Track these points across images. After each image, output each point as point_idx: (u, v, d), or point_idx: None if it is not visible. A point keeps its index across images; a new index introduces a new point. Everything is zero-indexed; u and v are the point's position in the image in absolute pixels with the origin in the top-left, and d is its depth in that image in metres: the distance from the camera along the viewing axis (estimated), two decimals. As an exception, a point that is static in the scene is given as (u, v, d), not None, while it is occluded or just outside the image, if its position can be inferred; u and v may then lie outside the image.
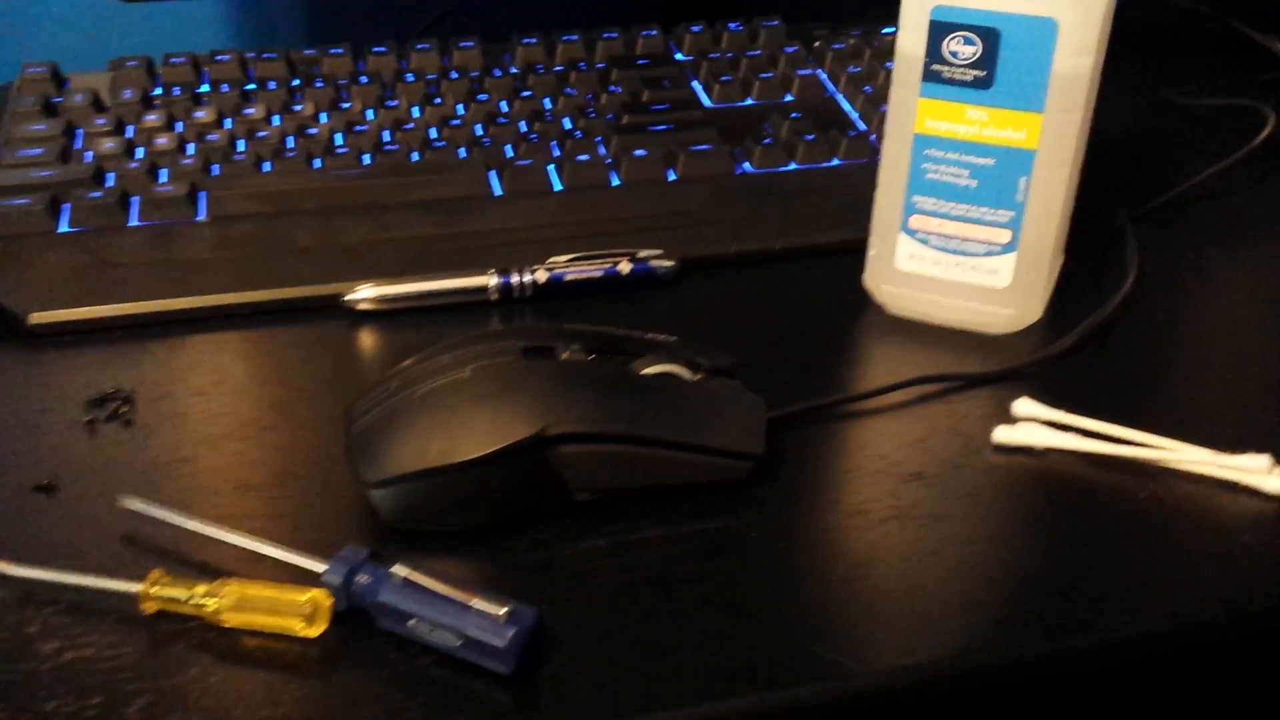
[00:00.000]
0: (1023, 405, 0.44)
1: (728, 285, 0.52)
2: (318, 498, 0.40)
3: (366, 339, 0.49)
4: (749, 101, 0.62)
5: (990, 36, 0.43)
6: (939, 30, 0.44)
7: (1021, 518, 0.40)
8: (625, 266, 0.51)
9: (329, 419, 0.43)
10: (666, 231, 0.54)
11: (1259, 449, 0.42)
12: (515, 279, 0.50)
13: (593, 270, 0.51)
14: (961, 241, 0.47)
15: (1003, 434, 0.43)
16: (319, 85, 0.61)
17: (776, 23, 0.68)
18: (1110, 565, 0.38)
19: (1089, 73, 0.44)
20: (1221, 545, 0.39)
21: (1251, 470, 0.41)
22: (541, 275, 0.51)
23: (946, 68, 0.44)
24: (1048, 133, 0.44)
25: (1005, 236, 0.46)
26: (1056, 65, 0.43)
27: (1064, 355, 0.47)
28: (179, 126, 0.58)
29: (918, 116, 0.46)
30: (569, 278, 0.51)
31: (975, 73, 0.44)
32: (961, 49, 0.44)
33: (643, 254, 0.52)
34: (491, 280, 0.50)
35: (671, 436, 0.39)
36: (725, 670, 0.35)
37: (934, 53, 0.44)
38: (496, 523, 0.39)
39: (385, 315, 0.50)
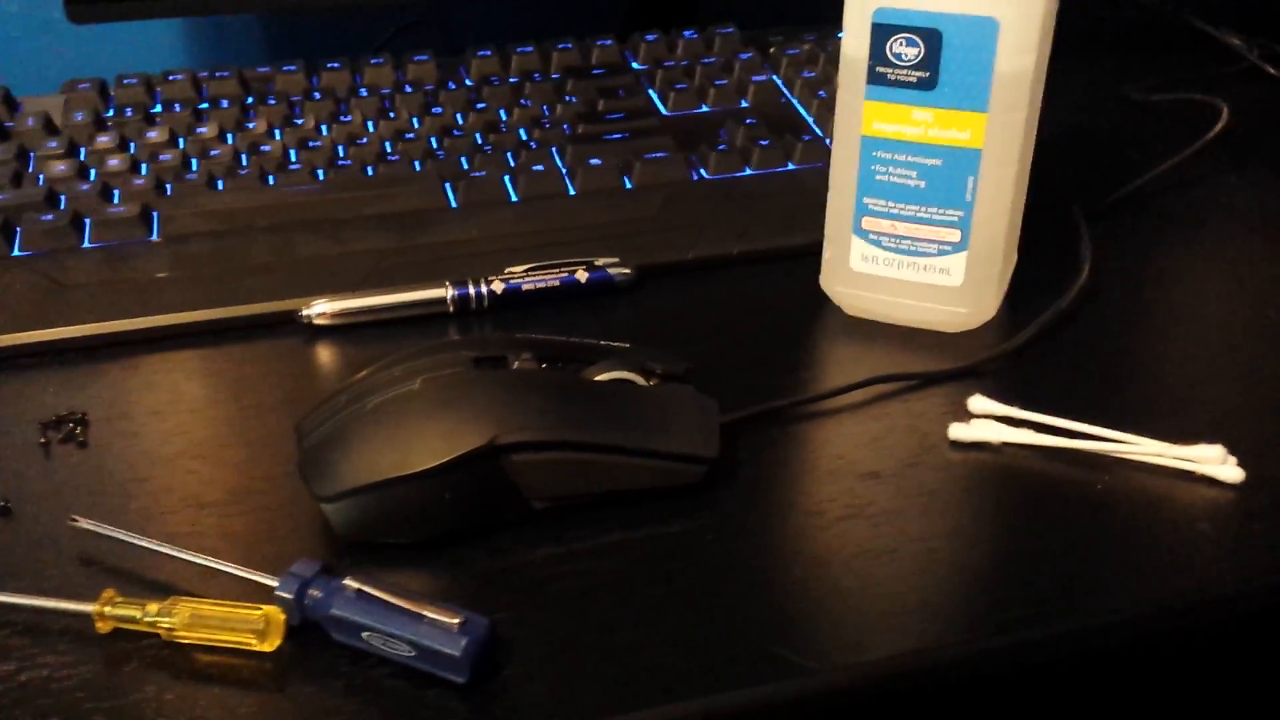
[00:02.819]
0: (977, 402, 0.45)
1: (686, 291, 0.52)
2: (273, 514, 0.40)
3: (324, 354, 0.49)
4: (705, 108, 0.63)
5: (932, 38, 0.44)
6: (882, 32, 0.44)
7: (978, 513, 0.41)
8: (582, 275, 0.52)
9: (285, 435, 0.43)
10: (624, 239, 0.54)
11: (1213, 439, 0.42)
12: (472, 290, 0.50)
13: (550, 279, 0.51)
14: (913, 242, 0.47)
15: (958, 431, 0.44)
16: (272, 103, 0.61)
17: (732, 30, 0.68)
18: (1068, 558, 0.39)
19: (1031, 71, 0.44)
20: (1179, 535, 0.40)
21: (1206, 460, 0.42)
22: (499, 286, 0.51)
23: (891, 70, 0.45)
24: (993, 132, 0.45)
25: (955, 236, 0.47)
26: (999, 65, 0.44)
27: (1018, 351, 0.48)
28: (132, 147, 0.58)
29: (865, 119, 0.46)
30: (526, 288, 0.51)
31: (919, 74, 0.44)
32: (905, 51, 0.44)
33: (600, 262, 0.52)
34: (449, 292, 0.50)
35: (625, 442, 0.39)
36: (683, 672, 0.35)
37: (878, 55, 0.45)
38: (452, 533, 0.39)
39: (342, 330, 0.50)
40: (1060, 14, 0.46)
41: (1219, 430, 0.43)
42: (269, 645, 0.35)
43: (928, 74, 0.44)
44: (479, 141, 0.59)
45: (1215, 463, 0.42)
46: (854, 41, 0.45)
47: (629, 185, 0.57)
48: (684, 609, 0.37)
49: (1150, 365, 0.48)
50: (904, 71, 0.45)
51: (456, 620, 0.33)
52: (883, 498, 0.41)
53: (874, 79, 0.45)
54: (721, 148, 0.58)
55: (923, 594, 0.37)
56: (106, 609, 0.35)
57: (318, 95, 0.62)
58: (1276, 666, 0.41)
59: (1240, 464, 0.42)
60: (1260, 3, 0.79)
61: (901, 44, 0.44)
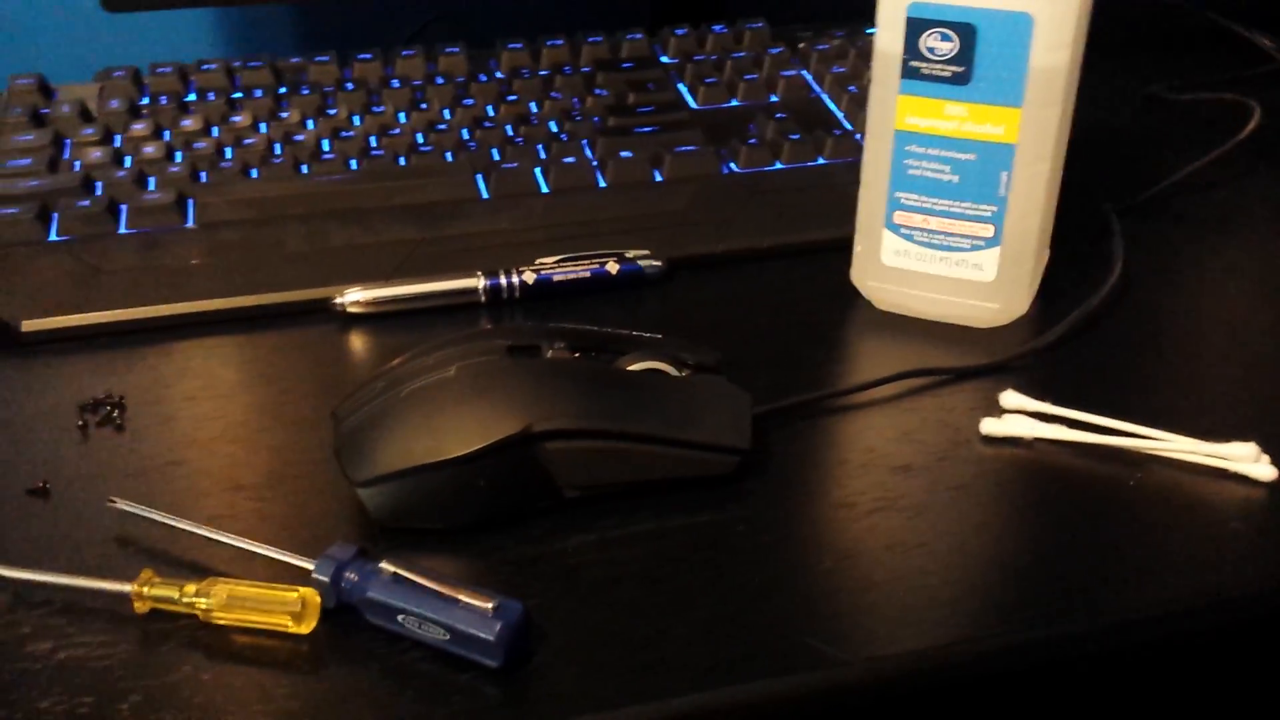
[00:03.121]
0: (1009, 397, 0.45)
1: (716, 284, 0.53)
2: (308, 497, 0.41)
3: (356, 341, 0.49)
4: (734, 103, 0.63)
5: (967, 32, 0.44)
6: (916, 27, 0.44)
7: (1009, 508, 0.41)
8: (613, 267, 0.52)
9: (319, 420, 0.43)
10: (653, 232, 0.54)
11: (1245, 437, 0.42)
12: (503, 280, 0.51)
13: (581, 271, 0.52)
14: (945, 237, 0.47)
15: (990, 426, 0.44)
16: (305, 93, 0.62)
17: (761, 24, 0.68)
18: (1099, 554, 0.39)
19: (1066, 67, 0.44)
20: (1211, 532, 0.40)
21: (1239, 458, 0.42)
22: (530, 276, 0.51)
23: (924, 64, 0.45)
24: (1027, 127, 0.45)
25: (989, 231, 0.47)
26: (1033, 60, 0.43)
27: (1050, 348, 0.48)
28: (166, 135, 0.59)
29: (898, 113, 0.46)
30: (557, 279, 0.51)
31: (953, 69, 0.44)
32: (939, 45, 0.44)
33: (630, 254, 0.52)
34: (480, 282, 0.51)
35: (658, 432, 0.40)
36: (712, 661, 0.35)
37: (912, 49, 0.45)
38: (485, 520, 0.39)
39: (375, 318, 0.50)
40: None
41: (1252, 428, 0.43)
42: (305, 627, 0.35)
43: (962, 69, 0.44)
44: (510, 133, 0.59)
45: (1248, 461, 0.42)
46: (888, 35, 0.45)
47: (659, 178, 0.57)
48: (714, 599, 0.37)
49: (1182, 363, 0.48)
50: (938, 66, 0.45)
51: (491, 605, 0.34)
52: (914, 491, 0.41)
53: (908, 73, 0.45)
54: (752, 141, 0.58)
55: (953, 588, 0.37)
56: (144, 589, 0.36)
57: (350, 86, 0.63)
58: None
59: (1273, 462, 0.41)
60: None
61: (936, 38, 0.44)
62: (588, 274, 0.52)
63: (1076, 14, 0.44)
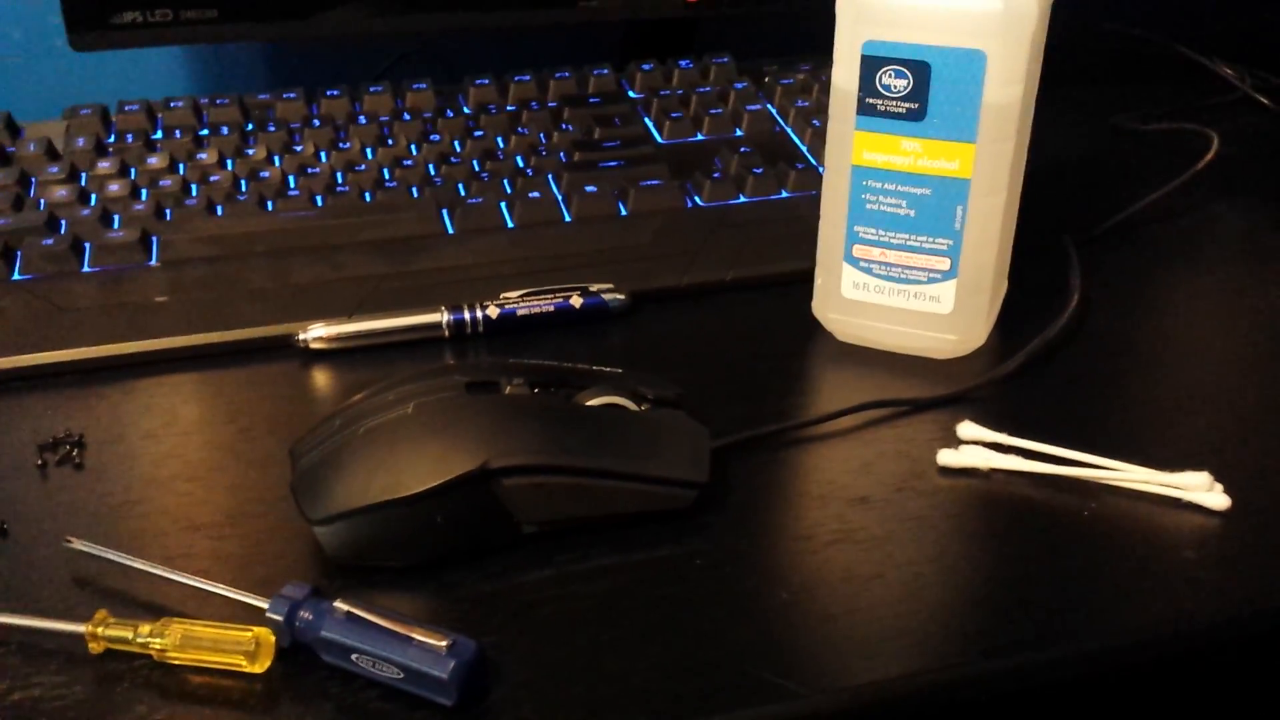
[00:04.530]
0: (967, 428, 0.45)
1: (679, 317, 0.53)
2: (266, 536, 0.41)
3: (319, 378, 0.49)
4: (700, 137, 0.63)
5: (921, 69, 0.44)
6: (871, 64, 0.45)
7: (966, 539, 0.41)
8: (577, 300, 0.52)
9: (279, 458, 0.43)
10: (618, 265, 0.54)
11: (1199, 466, 0.42)
12: (467, 315, 0.51)
13: (545, 305, 0.52)
14: (903, 269, 0.48)
15: (947, 457, 0.44)
16: (272, 129, 0.62)
17: (727, 59, 0.69)
18: (1055, 584, 0.39)
19: (1019, 102, 0.45)
20: (1165, 562, 0.40)
21: (1192, 487, 0.42)
22: (494, 311, 0.51)
23: (880, 101, 0.45)
24: (981, 162, 0.45)
25: (945, 264, 0.47)
26: (987, 96, 0.44)
27: (1008, 378, 0.48)
28: (133, 173, 0.59)
29: (855, 149, 0.47)
30: (521, 313, 0.52)
31: (908, 105, 0.45)
32: (894, 82, 0.45)
33: (594, 288, 0.53)
34: (444, 317, 0.51)
35: (616, 467, 0.40)
36: (670, 697, 0.35)
37: (867, 86, 0.45)
38: (444, 557, 0.39)
39: (338, 354, 0.50)
40: (1051, 44, 0.47)
41: (1206, 457, 0.43)
42: (259, 666, 0.35)
43: (917, 105, 0.45)
44: (476, 168, 0.60)
45: (1202, 490, 0.42)
46: (844, 73, 0.46)
47: (624, 212, 0.57)
48: (672, 633, 0.37)
49: (1138, 393, 0.48)
50: (893, 102, 0.45)
51: (445, 643, 0.34)
52: (872, 523, 0.41)
53: (864, 109, 0.46)
54: (716, 175, 0.59)
55: (910, 619, 0.38)
56: (99, 630, 0.36)
57: (317, 123, 0.63)
58: (1262, 694, 0.41)
59: (1226, 491, 0.42)
60: (1252, 33, 0.80)
61: (890, 75, 0.45)
62: (552, 308, 0.52)
63: (1028, 51, 0.44)
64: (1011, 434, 0.44)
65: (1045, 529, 0.41)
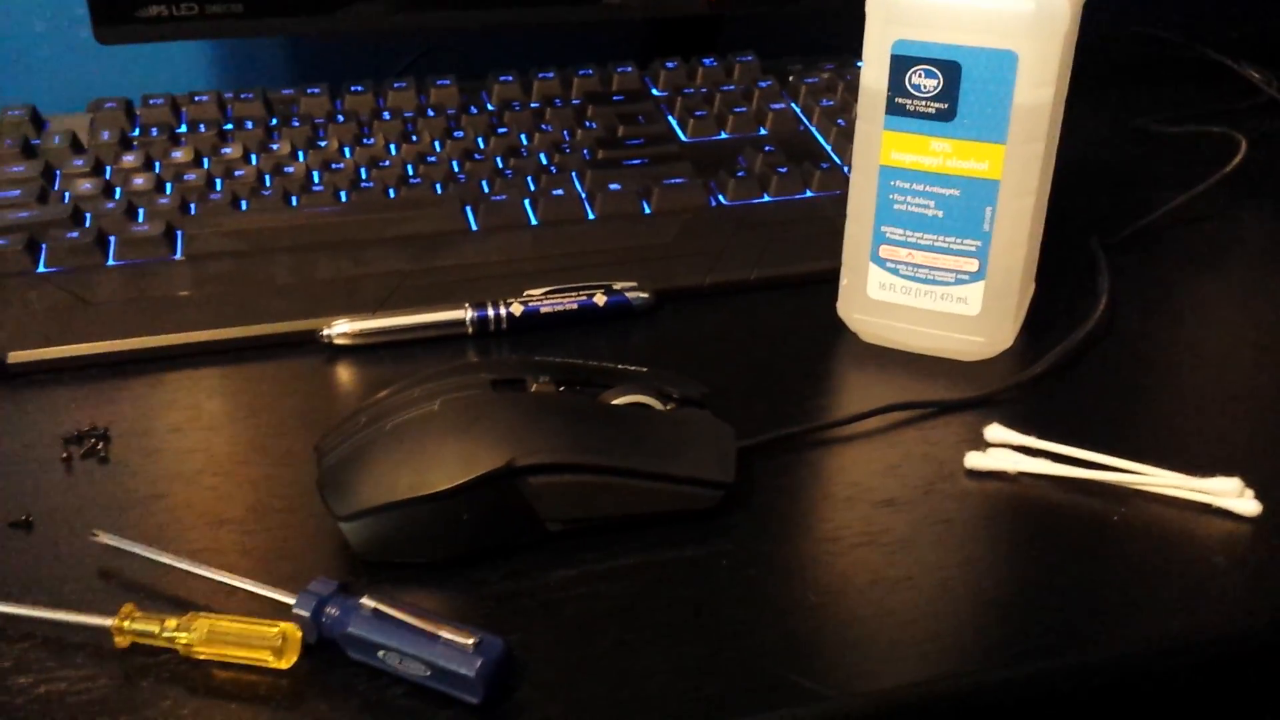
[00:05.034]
0: (994, 431, 0.45)
1: (703, 316, 0.53)
2: (292, 531, 0.41)
3: (343, 373, 0.49)
4: (723, 135, 0.63)
5: (951, 70, 0.44)
6: (901, 64, 0.45)
7: (993, 542, 0.41)
8: (600, 299, 0.52)
9: (304, 453, 0.43)
10: (642, 264, 0.54)
11: (1230, 471, 0.42)
12: (491, 312, 0.51)
13: (568, 303, 0.52)
14: (930, 270, 0.48)
15: (974, 459, 0.44)
16: (296, 125, 0.62)
17: (751, 57, 0.69)
18: (1082, 589, 0.39)
19: (1050, 103, 0.45)
20: (1194, 568, 0.40)
21: (1223, 493, 0.42)
22: (517, 308, 0.51)
23: (910, 101, 0.45)
24: (1011, 163, 0.45)
25: (973, 265, 0.47)
26: (1017, 97, 0.44)
27: (1035, 381, 0.48)
28: (157, 166, 0.59)
29: (883, 149, 0.46)
30: (544, 310, 0.51)
31: (938, 105, 0.45)
32: (924, 82, 0.45)
33: (618, 286, 0.52)
34: (467, 314, 0.51)
35: (641, 466, 0.40)
36: (695, 698, 0.35)
37: (897, 86, 0.45)
38: (468, 554, 0.39)
39: (362, 350, 0.50)
40: (1078, 46, 0.47)
41: (1236, 463, 0.43)
42: (285, 662, 0.35)
43: (946, 105, 0.45)
44: (499, 165, 0.59)
45: (1232, 495, 0.42)
46: (873, 72, 0.46)
47: (648, 210, 0.57)
48: (697, 634, 0.37)
49: (1167, 397, 0.48)
50: (923, 103, 0.45)
51: (471, 641, 0.34)
52: (898, 525, 0.41)
53: (893, 109, 0.46)
54: (740, 174, 0.58)
55: (937, 623, 0.37)
56: (125, 623, 0.36)
57: (341, 118, 0.63)
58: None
59: (1257, 497, 0.41)
60: (1279, 36, 0.80)
61: (920, 75, 0.45)
62: (575, 306, 0.52)
63: (1060, 52, 0.44)
64: (1039, 437, 0.44)
65: (1073, 533, 0.41)
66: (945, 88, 0.44)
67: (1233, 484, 0.42)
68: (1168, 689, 0.39)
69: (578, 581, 0.39)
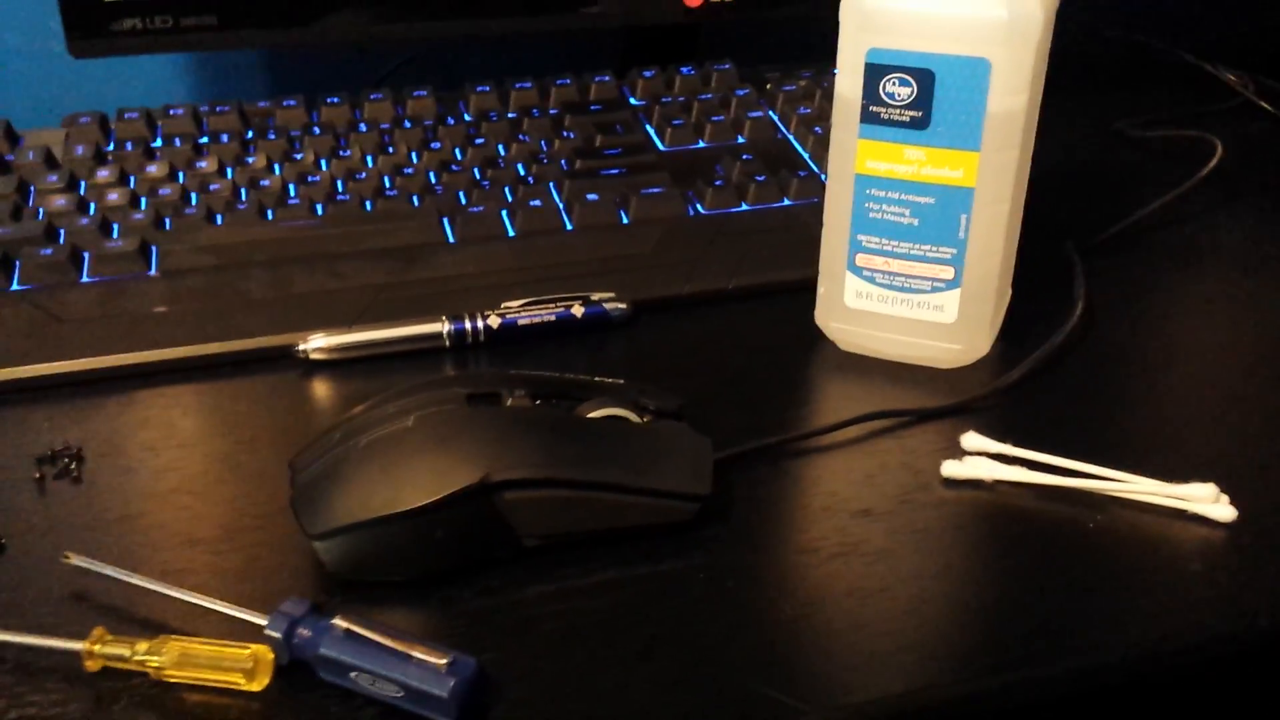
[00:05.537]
0: (971, 439, 0.45)
1: (681, 326, 0.53)
2: (265, 550, 0.40)
3: (319, 389, 0.49)
4: (701, 144, 0.63)
5: (925, 78, 0.44)
6: (875, 72, 0.45)
7: (970, 552, 0.41)
8: (578, 310, 0.52)
9: (279, 471, 0.43)
10: (620, 274, 0.54)
11: (1205, 477, 0.42)
12: (468, 325, 0.51)
13: (546, 314, 0.52)
14: (907, 279, 0.48)
15: (951, 468, 0.44)
16: (272, 137, 0.62)
17: (729, 66, 0.69)
18: (1059, 597, 0.39)
19: (1023, 111, 0.45)
20: (1171, 574, 0.40)
21: (1198, 499, 0.42)
22: (495, 321, 0.51)
23: (884, 109, 0.45)
24: (985, 171, 0.45)
25: (949, 273, 0.47)
26: (991, 104, 0.44)
27: (1012, 388, 0.48)
28: (132, 181, 0.59)
29: (858, 157, 0.46)
30: (522, 322, 0.51)
31: (912, 113, 0.45)
32: (897, 90, 0.45)
33: (595, 297, 0.52)
34: (444, 327, 0.51)
35: (617, 480, 0.39)
36: (671, 715, 0.35)
37: (871, 94, 0.45)
38: (444, 571, 0.39)
39: (338, 364, 0.50)
40: (1053, 50, 0.47)
41: (1212, 469, 0.43)
42: (257, 685, 0.35)
43: (920, 113, 0.45)
44: (477, 176, 0.59)
45: (1208, 501, 0.42)
46: (848, 81, 0.46)
47: (625, 220, 0.57)
48: (674, 649, 0.37)
49: (1143, 403, 0.48)
50: (897, 111, 0.45)
51: (444, 660, 0.33)
52: (875, 536, 0.41)
53: (867, 118, 0.46)
54: (718, 183, 0.58)
55: (914, 634, 0.37)
56: (96, 647, 0.35)
57: (317, 130, 0.63)
58: (1269, 709, 0.41)
59: (1232, 503, 0.42)
60: (1255, 39, 0.80)
61: (894, 84, 0.45)
62: (553, 318, 0.52)
63: (1033, 59, 0.44)
64: (1016, 445, 0.44)
65: (1050, 541, 0.41)
66: (919, 95, 0.44)
67: (1208, 489, 0.42)
68: (1146, 696, 0.39)
69: (554, 598, 0.38)
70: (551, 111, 0.65)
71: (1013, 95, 0.44)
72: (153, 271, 0.53)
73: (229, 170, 0.60)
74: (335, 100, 0.65)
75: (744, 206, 0.58)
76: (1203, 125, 0.68)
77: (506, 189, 0.58)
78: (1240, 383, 0.49)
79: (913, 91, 0.45)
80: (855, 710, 0.35)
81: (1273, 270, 0.57)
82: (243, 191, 0.58)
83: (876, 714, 0.35)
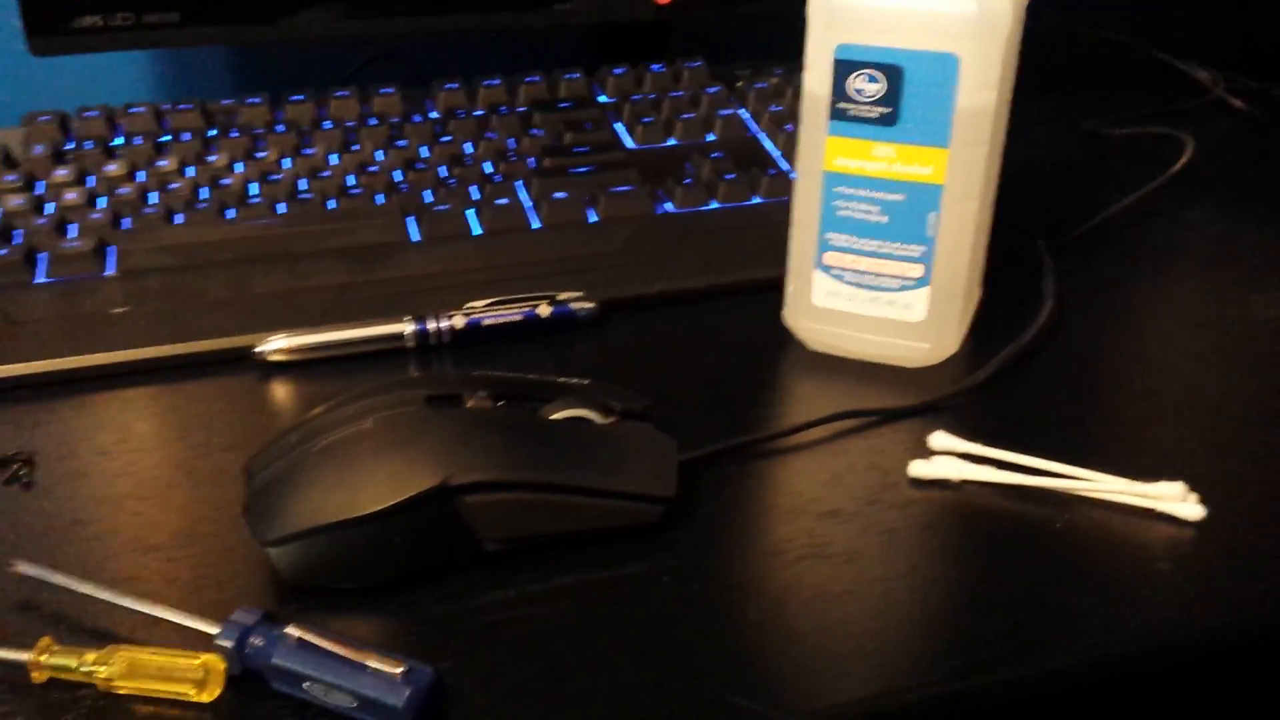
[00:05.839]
0: (938, 438, 0.44)
1: (649, 325, 0.52)
2: (218, 557, 0.39)
3: (279, 391, 0.48)
4: (671, 142, 0.62)
5: (894, 74, 0.44)
6: (843, 69, 0.44)
7: (937, 553, 0.40)
8: (545, 310, 0.51)
9: (234, 475, 0.42)
10: (588, 273, 0.53)
11: (1174, 476, 0.42)
12: (432, 326, 0.50)
13: (511, 315, 0.51)
14: (875, 277, 0.47)
15: (918, 468, 0.43)
16: (235, 135, 0.61)
17: (699, 63, 0.68)
18: (1027, 598, 0.38)
19: (993, 107, 0.44)
20: (1139, 573, 0.39)
21: (1167, 497, 0.41)
22: (459, 321, 0.50)
23: (852, 105, 0.45)
24: (954, 167, 0.44)
25: (918, 271, 0.46)
26: (960, 101, 0.43)
27: (981, 387, 0.47)
28: (90, 180, 0.58)
29: (826, 154, 0.46)
30: (488, 323, 0.51)
31: (880, 110, 0.44)
32: (866, 87, 0.44)
33: (562, 297, 0.52)
34: (408, 327, 0.50)
35: (580, 482, 0.39)
36: (635, 721, 0.34)
37: (839, 91, 0.45)
38: (403, 576, 0.38)
39: (299, 366, 0.49)
40: (1024, 48, 0.46)
41: (1180, 467, 0.42)
42: (208, 695, 0.34)
43: (889, 110, 0.44)
44: (443, 174, 0.58)
45: (1176, 500, 0.41)
46: (816, 77, 0.45)
47: (594, 219, 0.56)
48: (637, 655, 0.36)
49: (1113, 401, 0.47)
50: (865, 107, 0.45)
51: (400, 670, 0.33)
52: (842, 537, 0.40)
53: (836, 115, 0.45)
54: (687, 181, 0.58)
55: (880, 636, 0.37)
56: (42, 658, 0.34)
57: (281, 128, 0.62)
58: (1237, 708, 0.41)
59: (1201, 501, 0.41)
60: (1226, 37, 0.80)
61: (863, 80, 0.44)
62: (519, 317, 0.51)
63: (1002, 54, 0.44)
64: (984, 444, 0.44)
65: (1017, 541, 0.40)
66: (888, 92, 0.44)
67: (1177, 488, 0.41)
68: (1114, 696, 0.38)
69: (515, 603, 0.38)
70: (520, 109, 0.64)
71: (982, 91, 0.44)
72: (110, 272, 0.52)
73: (190, 169, 0.59)
74: (300, 98, 0.64)
75: (714, 205, 0.57)
76: (1173, 123, 0.68)
77: (473, 187, 0.57)
78: (1210, 381, 0.48)
79: (881, 88, 0.44)
80: (823, 715, 0.35)
81: (1242, 268, 0.57)
82: (203, 190, 0.57)
83: (844, 718, 0.35)
